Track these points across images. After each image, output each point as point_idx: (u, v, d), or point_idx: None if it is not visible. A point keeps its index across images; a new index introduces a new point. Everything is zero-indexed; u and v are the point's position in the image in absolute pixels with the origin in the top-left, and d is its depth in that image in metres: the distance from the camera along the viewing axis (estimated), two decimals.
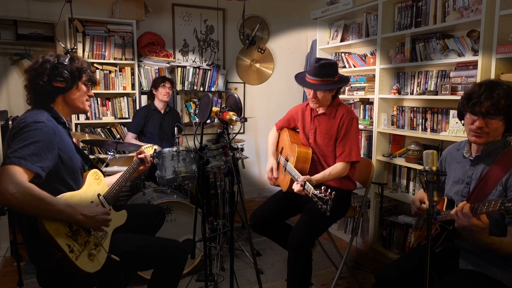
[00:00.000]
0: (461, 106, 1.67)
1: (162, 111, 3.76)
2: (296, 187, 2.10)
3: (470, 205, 1.46)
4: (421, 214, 1.88)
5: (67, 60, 1.61)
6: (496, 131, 1.58)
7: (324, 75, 2.25)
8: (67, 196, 1.52)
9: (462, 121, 1.70)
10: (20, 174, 1.36)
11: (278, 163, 2.56)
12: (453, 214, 1.50)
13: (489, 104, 1.54)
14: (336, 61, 2.47)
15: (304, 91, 4.68)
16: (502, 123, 1.57)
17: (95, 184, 1.73)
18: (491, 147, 1.63)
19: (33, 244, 1.56)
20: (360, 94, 3.49)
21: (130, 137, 3.73)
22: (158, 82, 3.70)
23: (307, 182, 2.02)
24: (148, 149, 2.26)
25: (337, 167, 2.29)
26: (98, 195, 1.71)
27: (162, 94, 3.68)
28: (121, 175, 1.93)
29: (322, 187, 1.90)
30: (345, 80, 2.37)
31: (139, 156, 2.10)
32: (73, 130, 3.71)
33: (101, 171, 1.82)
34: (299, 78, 2.39)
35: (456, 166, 1.78)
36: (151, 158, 2.15)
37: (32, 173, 1.41)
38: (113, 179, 1.92)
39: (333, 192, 1.84)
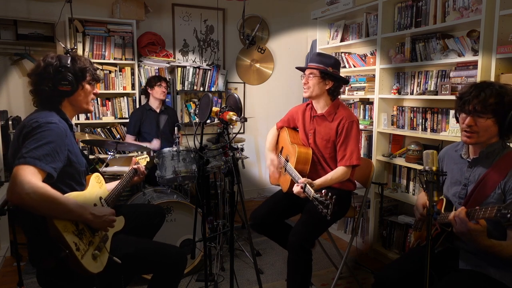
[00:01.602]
0: (455, 106, 1.68)
1: (158, 110, 3.77)
2: (296, 189, 2.10)
3: (466, 210, 1.45)
4: (425, 219, 1.88)
5: (69, 62, 1.60)
6: (486, 131, 1.57)
7: (319, 62, 2.33)
8: (73, 195, 1.54)
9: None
10: (34, 174, 1.37)
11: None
12: (451, 219, 1.50)
13: (476, 101, 1.55)
14: (339, 60, 2.50)
15: None
16: (492, 123, 1.56)
17: (97, 187, 1.76)
18: (489, 149, 1.62)
19: (36, 242, 1.57)
20: (360, 94, 3.49)
21: (129, 139, 3.75)
22: (154, 81, 3.71)
23: (307, 185, 2.02)
24: (142, 161, 2.27)
25: (338, 172, 2.28)
26: (100, 198, 1.74)
27: (159, 93, 3.70)
28: (118, 183, 1.96)
29: (323, 191, 1.89)
30: (341, 78, 2.37)
31: (134, 166, 2.11)
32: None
33: (102, 175, 1.83)
34: (300, 68, 2.46)
35: (453, 167, 1.78)
36: (144, 171, 2.15)
37: (45, 173, 1.42)
38: (111, 186, 1.94)
39: (334, 197, 1.84)
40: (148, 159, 2.36)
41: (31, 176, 1.36)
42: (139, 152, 2.42)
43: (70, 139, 1.58)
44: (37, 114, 1.55)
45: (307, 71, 2.35)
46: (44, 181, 1.41)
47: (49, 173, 1.42)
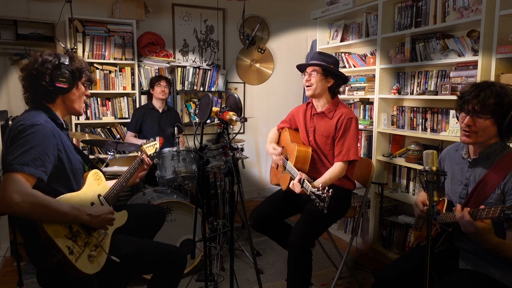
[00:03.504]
0: (455, 105, 1.69)
1: (160, 110, 3.77)
2: (297, 188, 2.09)
3: (469, 209, 1.45)
4: (424, 217, 1.88)
5: (67, 60, 1.61)
6: (485, 131, 1.57)
7: (320, 60, 2.35)
8: (66, 197, 1.51)
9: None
10: (23, 181, 1.36)
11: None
12: (458, 220, 1.49)
13: (476, 101, 1.55)
14: (338, 60, 2.52)
15: (304, 91, 4.68)
16: (491, 123, 1.55)
17: (96, 185, 1.73)
18: (488, 149, 1.62)
19: (33, 245, 1.56)
20: (360, 94, 3.49)
21: (129, 136, 3.77)
22: (153, 81, 3.75)
23: (305, 181, 2.03)
24: (150, 148, 2.24)
25: (335, 169, 2.29)
26: (99, 195, 1.71)
27: (158, 93, 3.72)
28: (121, 176, 1.93)
29: (320, 185, 1.90)
30: (342, 75, 2.38)
31: (143, 157, 2.09)
32: (73, 130, 3.72)
33: (101, 171, 1.81)
34: (300, 66, 2.47)
35: (454, 167, 1.78)
36: (149, 161, 2.12)
37: (35, 178, 1.41)
38: (113, 182, 1.92)
39: (331, 190, 1.85)
40: (157, 145, 2.32)
41: (20, 185, 1.34)
42: (147, 140, 2.36)
43: (59, 138, 1.56)
44: (24, 116, 1.53)
45: (310, 69, 2.35)
46: (35, 185, 1.40)
47: (39, 177, 1.41)
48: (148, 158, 2.11)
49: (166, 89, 3.75)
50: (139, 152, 2.17)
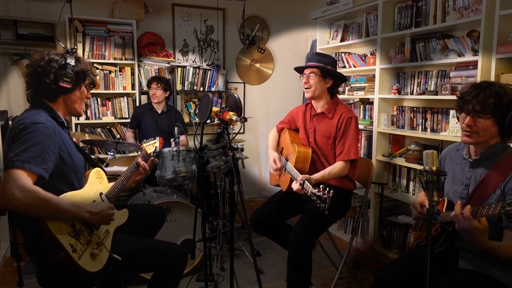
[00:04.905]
0: (455, 106, 1.68)
1: (159, 111, 3.74)
2: (295, 186, 2.10)
3: (470, 207, 1.45)
4: (422, 218, 1.88)
5: (73, 61, 1.63)
6: (486, 131, 1.57)
7: (317, 61, 2.35)
8: (69, 195, 1.52)
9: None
10: (24, 178, 1.37)
11: None
12: (453, 216, 1.50)
13: (476, 101, 1.55)
14: (336, 59, 2.51)
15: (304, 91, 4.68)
16: (491, 123, 1.55)
17: (98, 183, 1.74)
18: (490, 150, 1.62)
19: (35, 243, 1.56)
20: (360, 94, 3.49)
21: (127, 133, 3.81)
22: (148, 83, 3.73)
23: (306, 181, 2.03)
24: (149, 147, 2.23)
25: (336, 167, 2.29)
26: (100, 194, 1.72)
27: (150, 96, 3.70)
28: (122, 175, 1.94)
29: (321, 186, 1.91)
30: (340, 75, 2.38)
31: (139, 160, 2.07)
32: (73, 130, 3.72)
33: (103, 169, 1.82)
34: (298, 68, 2.47)
35: (455, 167, 1.78)
36: (145, 165, 2.08)
37: (36, 176, 1.41)
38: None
39: (332, 191, 1.85)
40: (157, 144, 2.31)
41: (20, 181, 1.35)
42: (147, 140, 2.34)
43: (60, 137, 1.57)
44: (25, 115, 1.54)
45: (308, 71, 2.35)
46: (36, 182, 1.41)
47: (40, 174, 1.42)
48: (143, 162, 2.07)
49: (157, 91, 3.61)
50: (138, 152, 2.16)
